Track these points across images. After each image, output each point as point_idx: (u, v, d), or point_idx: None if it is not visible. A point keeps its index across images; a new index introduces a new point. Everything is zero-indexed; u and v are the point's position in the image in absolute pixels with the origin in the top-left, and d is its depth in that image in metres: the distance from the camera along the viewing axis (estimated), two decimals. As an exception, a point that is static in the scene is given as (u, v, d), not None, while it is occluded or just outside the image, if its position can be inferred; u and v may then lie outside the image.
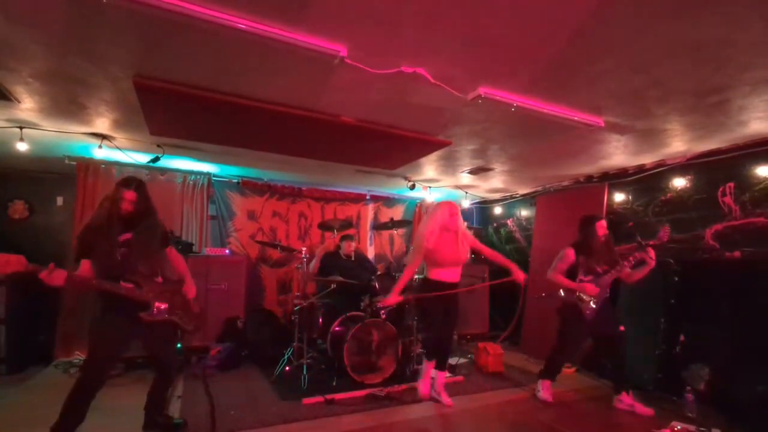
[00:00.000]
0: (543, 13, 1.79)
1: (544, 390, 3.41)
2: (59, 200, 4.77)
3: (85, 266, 2.22)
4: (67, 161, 4.19)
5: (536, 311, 5.02)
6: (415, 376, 3.79)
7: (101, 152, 3.84)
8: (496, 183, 5.32)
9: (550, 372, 3.45)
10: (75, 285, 2.14)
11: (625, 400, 3.23)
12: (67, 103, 2.89)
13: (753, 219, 3.25)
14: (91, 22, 1.91)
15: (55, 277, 2.02)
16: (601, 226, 3.32)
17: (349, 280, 4.11)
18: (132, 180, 2.38)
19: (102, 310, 2.30)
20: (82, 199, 4.24)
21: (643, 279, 3.26)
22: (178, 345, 3.94)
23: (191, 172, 4.85)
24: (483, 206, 6.72)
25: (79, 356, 3.99)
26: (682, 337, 3.47)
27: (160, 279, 2.48)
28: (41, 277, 2.00)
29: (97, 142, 3.69)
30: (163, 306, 2.39)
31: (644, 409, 3.14)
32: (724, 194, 3.47)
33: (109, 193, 2.37)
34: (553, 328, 3.58)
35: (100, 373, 2.27)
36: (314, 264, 4.44)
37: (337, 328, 3.80)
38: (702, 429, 2.76)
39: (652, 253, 3.19)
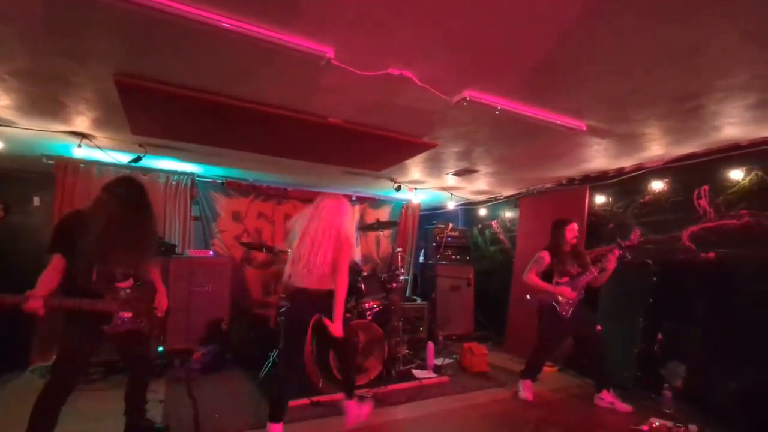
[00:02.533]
0: (528, 19, 1.82)
1: (525, 389, 3.47)
2: (36, 200, 4.63)
3: (58, 264, 2.11)
4: (44, 160, 4.07)
5: (520, 312, 5.09)
6: (401, 377, 3.81)
7: (81, 151, 3.74)
8: (480, 185, 5.39)
9: (530, 372, 3.51)
10: (53, 308, 2.07)
11: (606, 397, 3.32)
12: (46, 100, 2.82)
13: (726, 221, 3.37)
14: (72, 18, 1.87)
15: (32, 305, 1.98)
16: (571, 229, 3.44)
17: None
18: (124, 184, 2.29)
19: (67, 316, 2.21)
20: (60, 199, 4.12)
21: (623, 279, 3.36)
22: (160, 348, 3.87)
23: (174, 173, 4.77)
24: (468, 208, 6.79)
25: (56, 361, 3.88)
26: (659, 336, 3.58)
27: (129, 281, 2.35)
28: (23, 308, 1.96)
29: (76, 141, 3.60)
30: (127, 315, 2.30)
31: (623, 406, 3.24)
32: (699, 197, 3.58)
33: (104, 198, 2.22)
34: (537, 328, 3.64)
35: (69, 379, 2.20)
36: None
37: (323, 330, 3.79)
38: (679, 424, 2.84)
39: (613, 261, 3.29)
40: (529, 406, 3.35)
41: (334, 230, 2.56)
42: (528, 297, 3.52)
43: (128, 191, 2.26)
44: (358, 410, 2.75)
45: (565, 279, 3.38)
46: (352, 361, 3.01)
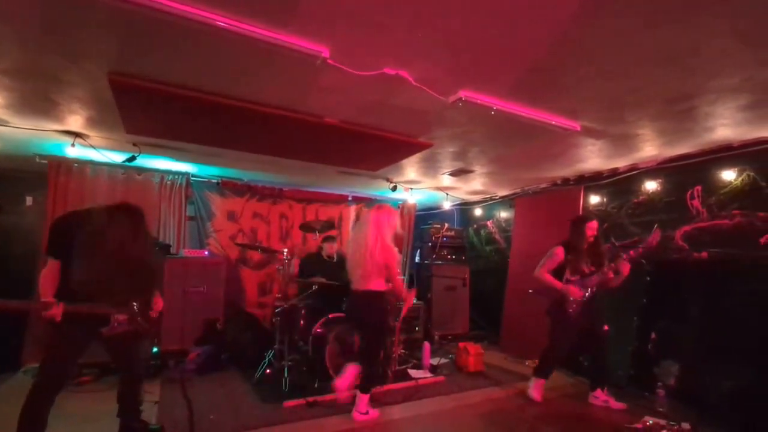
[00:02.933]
0: (524, 19, 1.83)
1: (535, 389, 3.40)
2: (29, 200, 4.59)
3: (54, 266, 2.12)
4: (37, 160, 4.04)
5: (515, 311, 5.11)
6: (397, 377, 3.81)
7: (74, 151, 3.71)
8: (476, 185, 5.40)
9: (543, 371, 3.45)
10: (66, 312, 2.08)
11: (600, 396, 3.34)
12: (38, 99, 2.79)
13: (718, 221, 3.41)
14: (67, 17, 1.86)
15: (54, 312, 2.01)
16: (591, 227, 3.37)
17: (332, 281, 4.09)
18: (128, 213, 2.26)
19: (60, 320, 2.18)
20: (53, 198, 4.09)
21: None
22: (155, 349, 3.85)
23: (169, 172, 4.74)
24: (463, 208, 6.81)
25: (49, 362, 3.83)
26: (653, 335, 3.61)
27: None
28: (45, 315, 1.99)
29: (69, 140, 3.57)
30: (123, 317, 2.29)
31: (617, 404, 3.26)
32: (692, 197, 3.62)
33: (113, 216, 2.19)
34: (532, 327, 3.65)
35: (56, 379, 2.18)
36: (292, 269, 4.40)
37: (318, 330, 3.78)
38: (672, 423, 2.87)
39: (627, 267, 3.22)
40: (525, 405, 3.36)
41: (378, 241, 2.99)
42: (530, 290, 3.41)
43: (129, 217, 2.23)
44: (367, 407, 3.00)
45: (576, 277, 3.34)
46: (378, 356, 3.22)
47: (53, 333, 2.21)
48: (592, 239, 3.38)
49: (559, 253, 3.39)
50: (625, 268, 3.22)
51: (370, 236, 3.00)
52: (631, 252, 3.23)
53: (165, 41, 2.05)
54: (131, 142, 3.72)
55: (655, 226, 3.41)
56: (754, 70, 2.19)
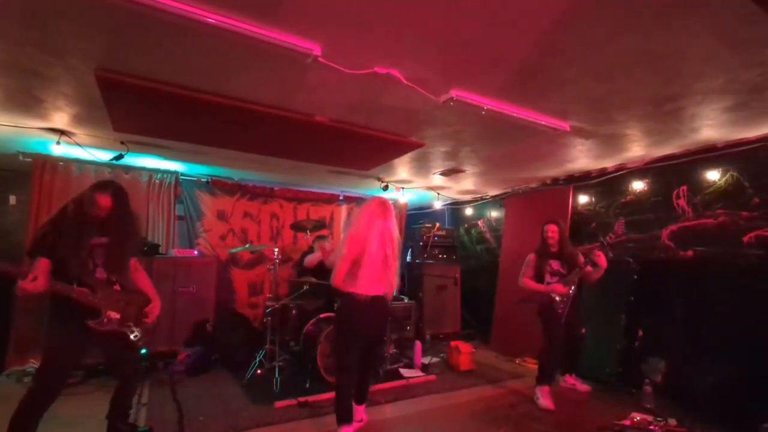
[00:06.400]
0: (513, 20, 1.85)
1: (543, 397, 3.32)
2: (12, 199, 4.50)
3: (44, 265, 2.08)
4: (21, 158, 3.95)
5: (506, 310, 5.15)
6: (388, 376, 3.82)
7: (59, 149, 3.63)
8: (467, 185, 5.43)
9: (545, 377, 3.39)
10: (55, 292, 2.07)
11: (569, 380, 3.69)
12: (22, 95, 2.73)
13: (703, 220, 3.48)
14: (48, 10, 1.82)
15: (39, 285, 1.98)
16: (546, 230, 3.57)
17: (322, 281, 4.08)
18: (108, 184, 2.28)
19: (53, 316, 2.18)
20: (37, 198, 4.00)
21: (605, 278, 3.44)
22: (143, 350, 3.79)
23: (158, 171, 4.68)
24: (454, 207, 6.84)
25: (33, 364, 3.76)
26: (640, 333, 3.67)
27: (117, 287, 2.35)
28: (24, 286, 1.95)
29: (55, 137, 3.50)
30: (115, 316, 2.28)
31: (582, 386, 3.59)
32: (678, 197, 3.69)
33: (81, 194, 2.24)
34: (523, 326, 3.69)
35: (54, 385, 2.14)
36: (314, 257, 4.34)
37: (310, 329, 3.77)
38: (659, 418, 2.92)
39: (602, 258, 3.37)
40: (515, 403, 3.38)
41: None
42: (514, 302, 3.49)
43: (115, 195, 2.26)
44: (361, 415, 2.85)
45: (556, 278, 3.49)
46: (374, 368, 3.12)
47: (47, 333, 2.18)
48: (554, 241, 3.54)
49: (532, 258, 3.61)
50: (601, 260, 3.38)
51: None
52: (603, 242, 3.44)
53: (153, 37, 2.02)
54: (119, 140, 3.66)
55: (620, 218, 3.67)
56: (738, 72, 2.23)
